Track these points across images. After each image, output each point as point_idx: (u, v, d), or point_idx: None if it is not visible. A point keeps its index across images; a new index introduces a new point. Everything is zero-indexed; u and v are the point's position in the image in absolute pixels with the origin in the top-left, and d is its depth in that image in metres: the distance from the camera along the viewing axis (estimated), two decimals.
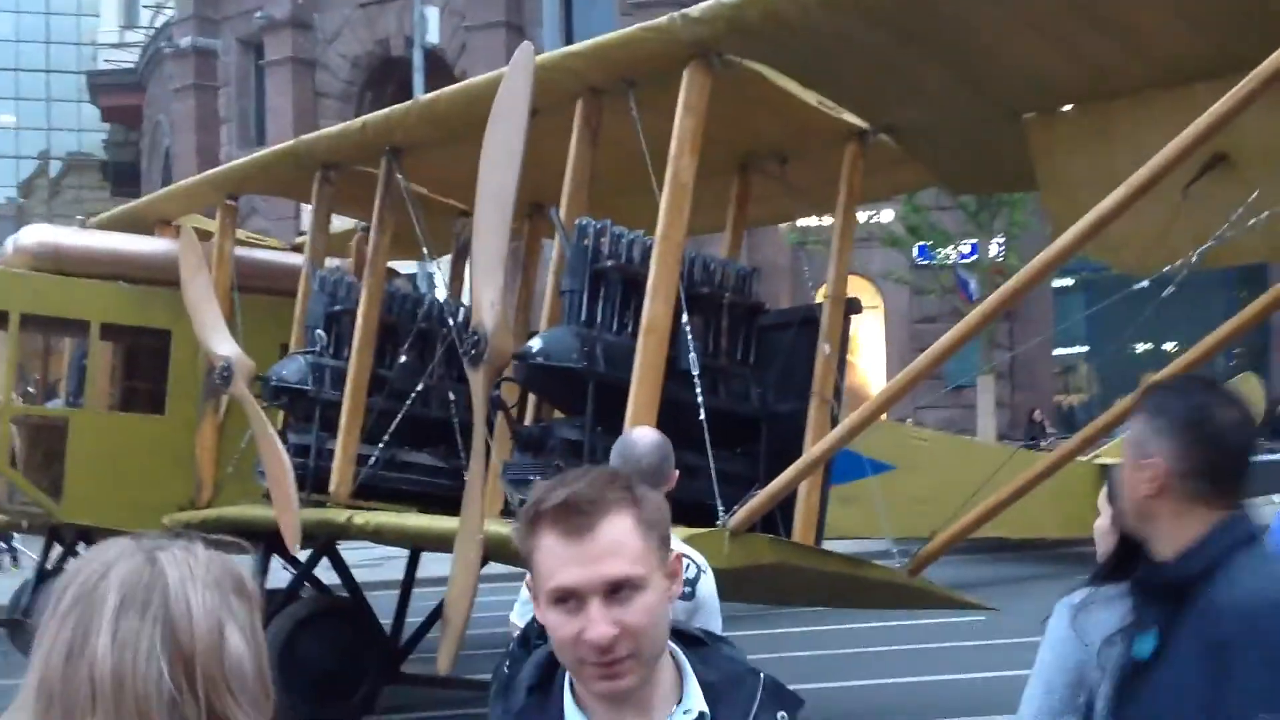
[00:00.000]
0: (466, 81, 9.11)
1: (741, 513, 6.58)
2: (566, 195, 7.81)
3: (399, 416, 9.26)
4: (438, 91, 9.08)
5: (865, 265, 25.62)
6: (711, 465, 6.69)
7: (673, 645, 1.83)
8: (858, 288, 23.11)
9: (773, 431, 7.74)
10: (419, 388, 9.36)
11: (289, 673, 8.98)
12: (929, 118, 7.43)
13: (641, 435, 4.18)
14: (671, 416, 7.08)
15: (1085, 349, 31.20)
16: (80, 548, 12.04)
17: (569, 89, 7.81)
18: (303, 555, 9.78)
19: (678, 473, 4.21)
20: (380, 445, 9.31)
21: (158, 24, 43.06)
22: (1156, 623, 2.43)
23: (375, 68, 33.76)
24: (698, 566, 3.88)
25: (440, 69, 27.58)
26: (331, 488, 9.10)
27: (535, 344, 7.24)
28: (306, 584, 9.84)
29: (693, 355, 6.96)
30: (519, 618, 3.98)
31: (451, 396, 9.59)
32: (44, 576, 12.55)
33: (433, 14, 24.64)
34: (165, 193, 11.81)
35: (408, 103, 9.24)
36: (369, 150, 9.51)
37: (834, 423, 7.49)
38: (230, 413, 10.74)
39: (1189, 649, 2.37)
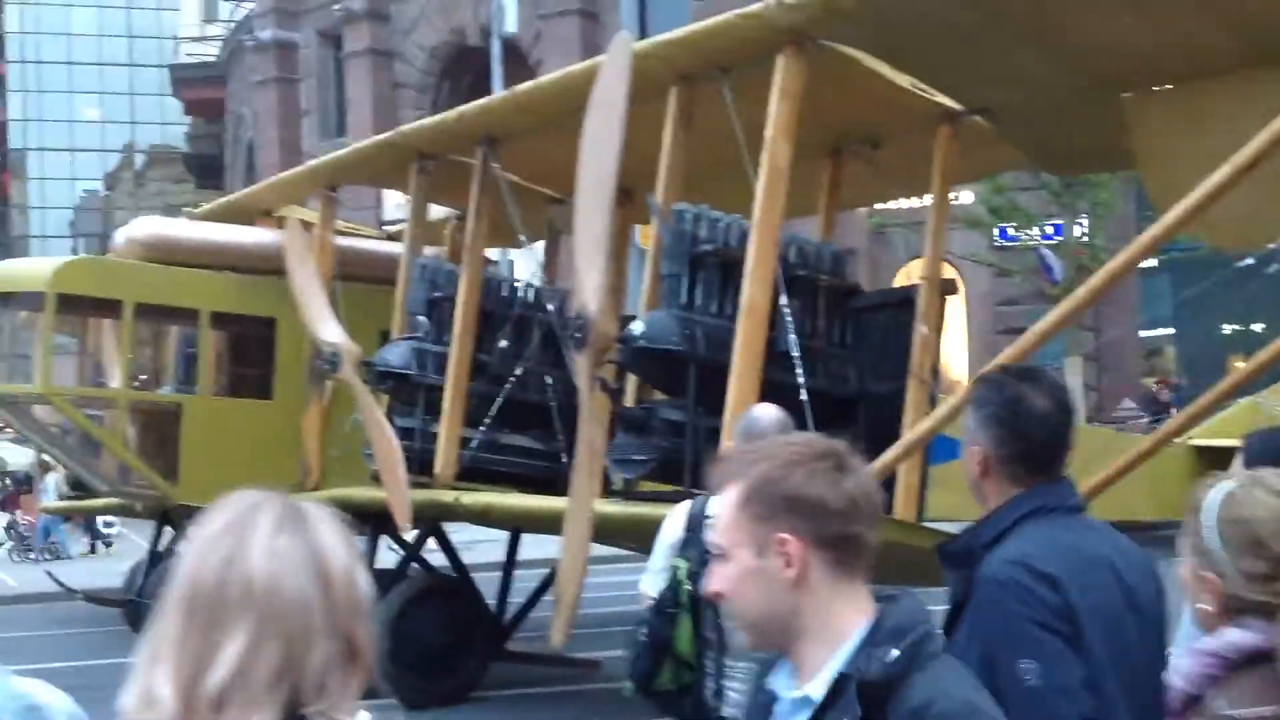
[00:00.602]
0: (562, 71, 9.29)
1: None
2: (662, 182, 7.98)
3: (499, 400, 9.54)
4: (534, 81, 9.30)
5: (945, 247, 25.48)
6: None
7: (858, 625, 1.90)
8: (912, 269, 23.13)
9: (870, 412, 7.88)
10: (517, 372, 9.63)
11: (398, 649, 9.29)
12: (1023, 99, 7.50)
13: (764, 412, 4.34)
14: (771, 397, 7.24)
15: (1171, 331, 30.76)
16: None
17: (662, 77, 7.97)
18: (407, 537, 10.07)
19: None
20: (481, 428, 9.60)
21: (237, 17, 43.72)
22: (955, 585, 2.74)
23: (452, 57, 34.10)
24: None
25: (516, 58, 27.82)
26: (436, 469, 9.36)
27: (637, 327, 7.42)
28: (414, 564, 10.10)
29: (792, 336, 7.10)
30: (650, 587, 4.17)
31: (548, 380, 9.86)
32: (156, 559, 13.00)
33: (510, 3, 24.86)
34: (266, 185, 12.15)
35: (504, 93, 9.48)
36: (464, 140, 9.75)
37: (932, 403, 7.62)
38: (334, 398, 11.06)
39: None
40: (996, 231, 25.63)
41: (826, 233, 8.74)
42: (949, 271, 26.20)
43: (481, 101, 9.60)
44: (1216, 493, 2.43)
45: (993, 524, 2.77)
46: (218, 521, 1.57)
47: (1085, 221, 22.73)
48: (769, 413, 4.32)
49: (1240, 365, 29.70)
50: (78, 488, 14.28)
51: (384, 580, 9.97)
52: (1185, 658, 2.42)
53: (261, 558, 1.52)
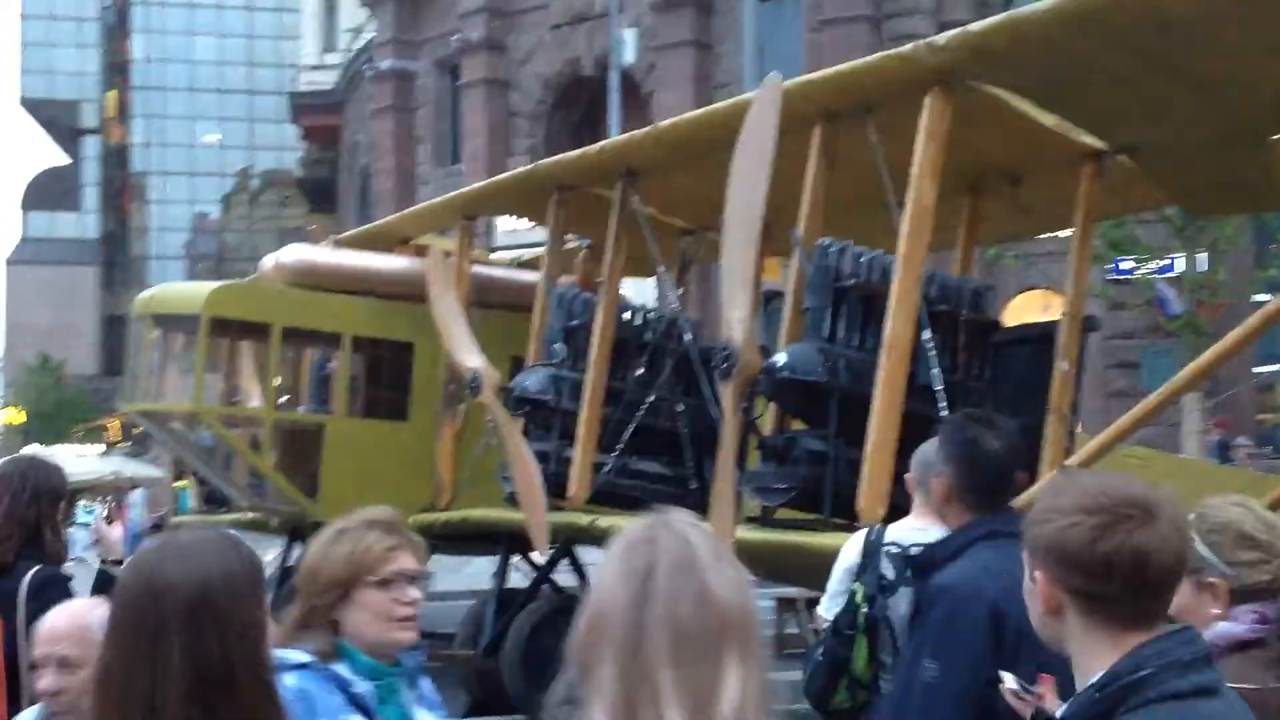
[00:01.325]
0: (705, 109, 9.54)
1: None
2: (804, 216, 8.15)
3: (632, 426, 9.77)
4: (676, 118, 9.54)
5: (1059, 279, 25.35)
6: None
7: None
8: (1049, 301, 22.97)
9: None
10: (650, 399, 9.85)
11: (530, 666, 9.54)
12: (1169, 139, 7.56)
13: None
14: (911, 430, 7.39)
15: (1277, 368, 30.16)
16: None
17: (805, 114, 8.14)
18: (540, 558, 10.32)
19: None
20: (615, 453, 9.82)
21: (356, 47, 44.82)
22: (913, 590, 3.40)
23: (565, 87, 34.66)
24: None
25: (629, 88, 28.20)
26: (570, 493, 9.59)
27: (781, 358, 7.57)
28: (545, 584, 10.34)
29: (935, 371, 7.22)
30: (827, 611, 4.33)
31: (678, 407, 10.07)
32: (287, 574, 13.39)
33: (629, 35, 25.26)
34: (407, 214, 12.54)
35: (646, 128, 9.70)
36: (604, 173, 10.01)
37: (1070, 439, 7.69)
38: (466, 421, 11.37)
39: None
40: (1111, 264, 25.43)
41: (965, 268, 8.84)
42: (1059, 303, 26.14)
43: (624, 136, 9.86)
44: (1198, 516, 2.91)
45: (952, 542, 3.44)
46: (643, 558, 1.67)
47: (1204, 256, 22.46)
48: None
49: None
50: (210, 502, 14.74)
51: (517, 600, 10.25)
52: None
53: (726, 589, 1.64)
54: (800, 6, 29.80)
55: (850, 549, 4.40)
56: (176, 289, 12.00)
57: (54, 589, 3.87)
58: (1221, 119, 7.15)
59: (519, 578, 10.79)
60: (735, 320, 7.38)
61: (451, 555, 12.63)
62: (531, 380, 9.91)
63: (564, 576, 10.63)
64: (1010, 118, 7.71)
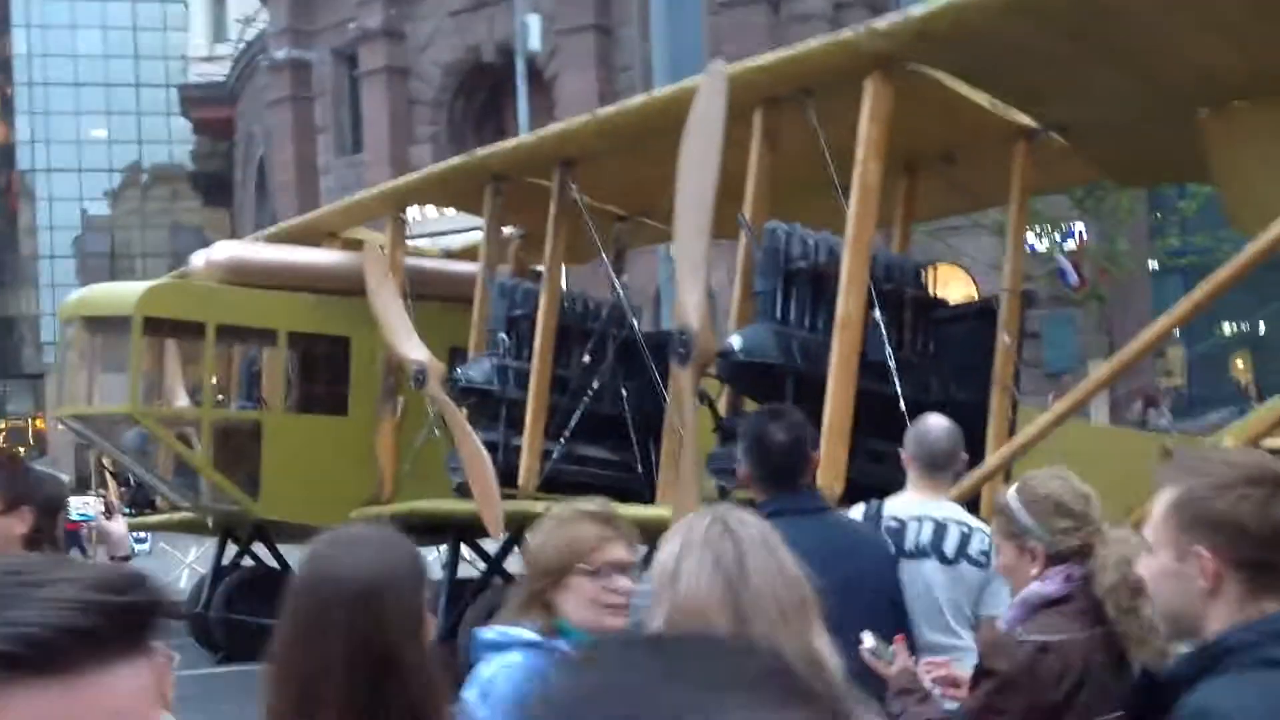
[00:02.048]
0: (645, 96, 9.63)
1: (954, 492, 7.00)
2: (750, 200, 8.29)
3: (578, 413, 9.86)
4: (616, 106, 9.63)
5: (957, 253, 25.94)
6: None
7: None
8: (952, 275, 23.46)
9: (953, 418, 8.16)
10: (594, 386, 9.95)
11: None
12: (1100, 115, 7.82)
13: (936, 422, 4.65)
14: (864, 406, 7.59)
15: (1176, 333, 31.10)
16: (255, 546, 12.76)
17: (746, 100, 8.27)
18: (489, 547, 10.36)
19: (818, 454, 4.54)
20: (562, 441, 9.90)
21: (247, 37, 44.07)
22: None
23: (467, 74, 34.45)
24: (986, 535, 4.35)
25: (532, 73, 28.11)
26: (520, 481, 9.65)
27: (736, 341, 7.70)
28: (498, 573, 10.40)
29: (888, 348, 7.41)
30: None
31: (623, 392, 10.18)
32: (220, 574, 13.28)
33: (534, 21, 25.20)
34: (336, 207, 12.44)
35: (584, 116, 9.77)
36: (541, 162, 10.06)
37: (1014, 410, 7.95)
38: (405, 414, 11.37)
39: None
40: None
41: (903, 246, 9.06)
42: (959, 276, 26.77)
43: (560, 125, 9.92)
44: (1011, 490, 3.39)
45: None
46: (730, 546, 1.91)
47: (1083, 228, 23.02)
48: (941, 422, 4.63)
49: (1240, 366, 30.00)
50: (134, 504, 14.53)
51: (468, 590, 10.30)
52: (1009, 609, 3.36)
53: (795, 565, 1.83)
54: None
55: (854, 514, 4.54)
56: (105, 290, 11.80)
57: None
58: (1151, 96, 7.41)
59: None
60: (690, 305, 7.48)
61: None
62: (476, 370, 9.94)
63: (516, 564, 10.66)
64: (946, 98, 7.92)
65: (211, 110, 48.69)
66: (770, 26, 29.31)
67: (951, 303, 8.97)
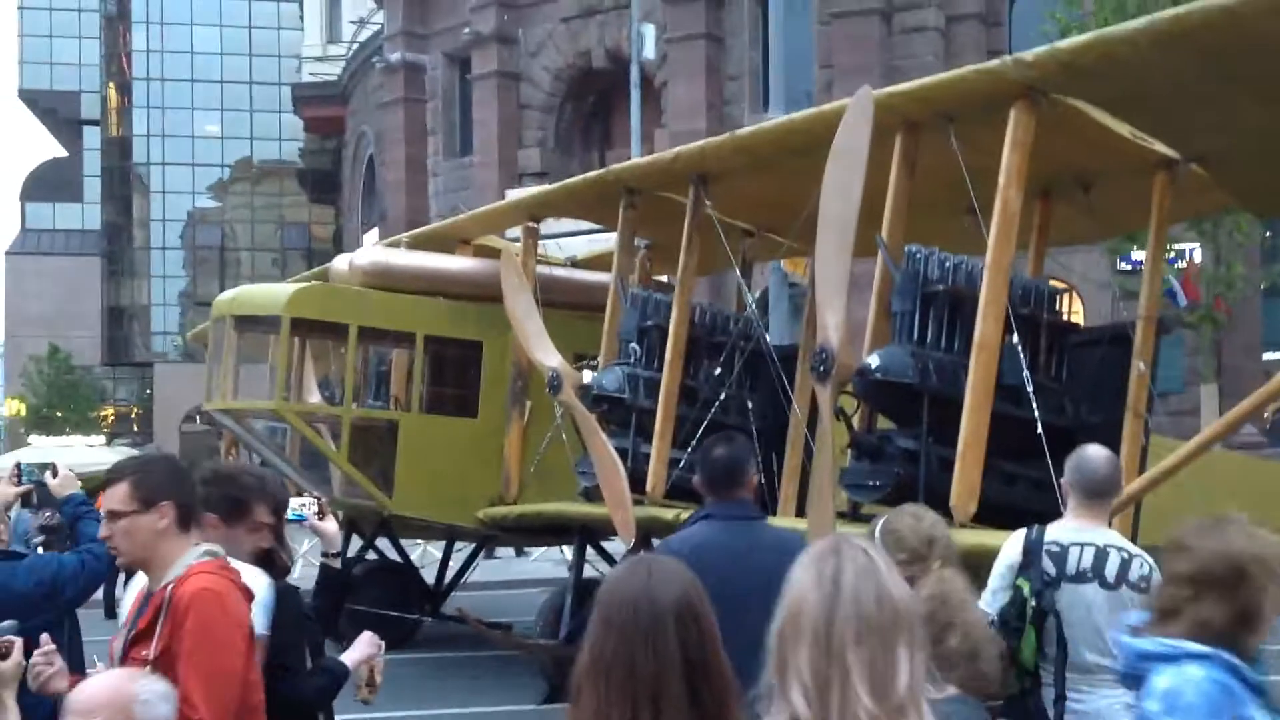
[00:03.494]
0: (783, 117, 9.83)
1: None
2: (888, 223, 8.48)
3: (705, 422, 10.11)
4: (755, 126, 9.86)
5: (1067, 270, 25.82)
6: (1052, 473, 7.25)
7: None
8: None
9: (1085, 441, 8.29)
10: (721, 396, 10.20)
11: None
12: (1240, 146, 7.90)
13: (1096, 452, 4.83)
14: (996, 429, 7.75)
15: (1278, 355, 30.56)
16: (380, 540, 13.17)
17: (887, 124, 8.46)
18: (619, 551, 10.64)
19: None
20: (688, 450, 10.15)
21: (361, 38, 44.97)
22: None
23: (576, 79, 34.94)
24: (1150, 565, 4.53)
25: (641, 80, 28.43)
26: (648, 488, 9.93)
27: (874, 361, 7.90)
28: None
29: (1025, 372, 7.56)
30: (989, 606, 4.67)
31: (748, 404, 10.42)
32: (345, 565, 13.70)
33: (649, 30, 25.52)
34: (472, 215, 12.82)
35: (724, 135, 10.02)
36: (676, 178, 10.33)
37: (1146, 436, 8.07)
38: (532, 418, 11.71)
39: None
40: (1123, 256, 25.84)
41: (1036, 270, 9.19)
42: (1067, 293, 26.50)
43: (700, 143, 10.17)
44: (878, 520, 4.00)
45: (690, 519, 4.81)
46: (831, 565, 2.16)
47: (1198, 250, 22.78)
48: (1101, 451, 4.81)
49: None
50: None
51: (592, 591, 10.59)
52: None
53: (897, 590, 2.09)
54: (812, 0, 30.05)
55: (1011, 548, 4.74)
56: (257, 290, 12.29)
57: (287, 603, 4.04)
58: None
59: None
60: (831, 324, 7.70)
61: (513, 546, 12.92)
62: (609, 379, 10.24)
63: None
64: (1086, 127, 8.04)
65: (323, 109, 49.73)
66: (882, 38, 29.38)
67: (1084, 327, 9.07)
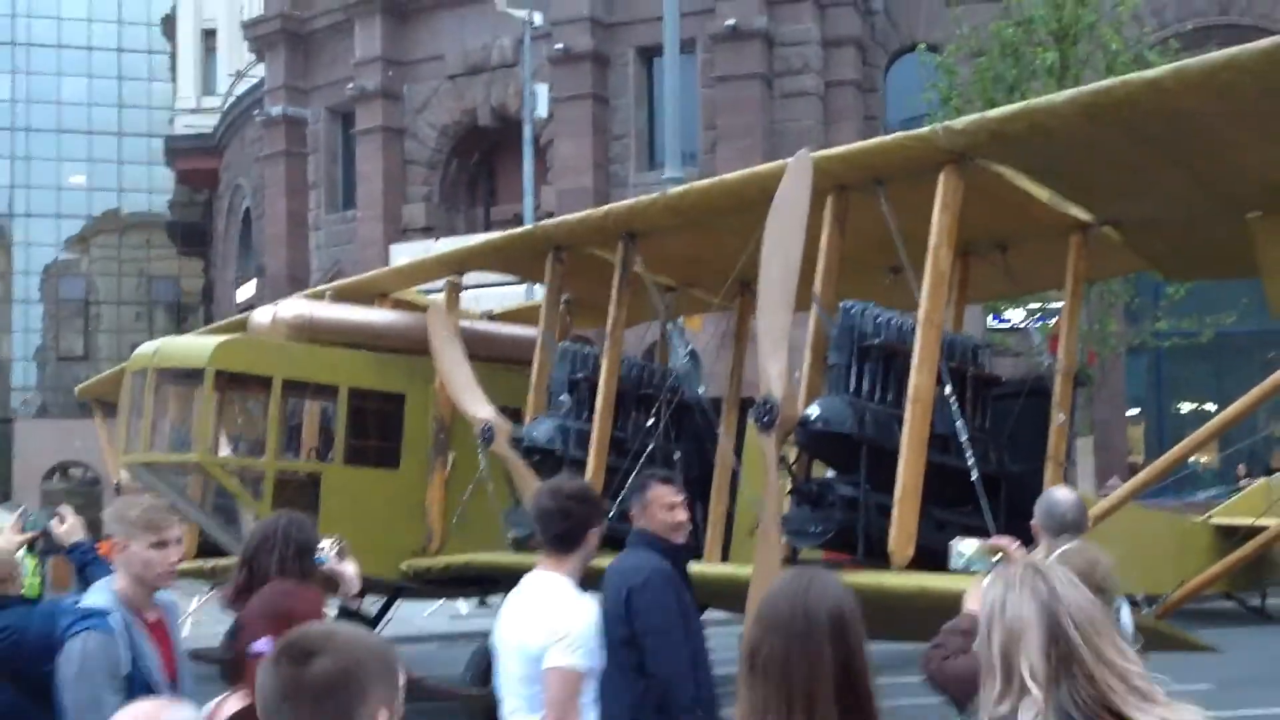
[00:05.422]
0: (716, 179, 10.17)
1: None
2: (820, 279, 8.83)
3: (634, 474, 10.32)
4: (686, 186, 10.20)
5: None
6: (988, 518, 7.63)
7: None
8: None
9: (1009, 489, 8.72)
10: (650, 446, 10.44)
11: None
12: (1154, 213, 8.46)
13: (1064, 495, 5.17)
14: (931, 476, 8.12)
15: (1138, 410, 31.89)
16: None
17: (819, 185, 8.85)
18: None
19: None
20: (619, 500, 10.36)
21: (238, 91, 44.53)
22: None
23: (461, 136, 35.06)
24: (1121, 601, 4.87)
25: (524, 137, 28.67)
26: None
27: (814, 410, 8.22)
28: None
29: (960, 422, 7.94)
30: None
31: (675, 455, 10.68)
32: None
33: (542, 90, 25.90)
34: (393, 270, 12.90)
35: (654, 195, 10.32)
36: (605, 235, 10.60)
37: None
38: (454, 469, 11.80)
39: None
40: (990, 315, 26.81)
41: (957, 325, 9.62)
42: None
43: (629, 202, 10.46)
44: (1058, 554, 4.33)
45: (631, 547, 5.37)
46: (1043, 583, 2.53)
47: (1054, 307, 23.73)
48: (1068, 495, 5.15)
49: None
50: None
51: None
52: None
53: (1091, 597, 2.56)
54: (695, 62, 30.74)
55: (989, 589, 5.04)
56: (179, 343, 12.15)
57: None
58: (1205, 196, 8.06)
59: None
60: (774, 375, 8.02)
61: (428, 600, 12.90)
62: (540, 430, 10.41)
63: None
64: (1008, 191, 8.54)
65: (196, 161, 48.97)
66: (764, 101, 30.17)
67: (1004, 380, 9.52)
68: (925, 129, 8.30)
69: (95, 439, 19.80)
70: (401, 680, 2.21)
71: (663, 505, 5.34)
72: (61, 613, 4.56)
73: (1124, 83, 7.12)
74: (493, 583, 11.36)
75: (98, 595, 4.14)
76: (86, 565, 4.94)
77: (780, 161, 9.08)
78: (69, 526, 4.97)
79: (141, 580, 4.09)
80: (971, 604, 4.17)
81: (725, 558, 10.56)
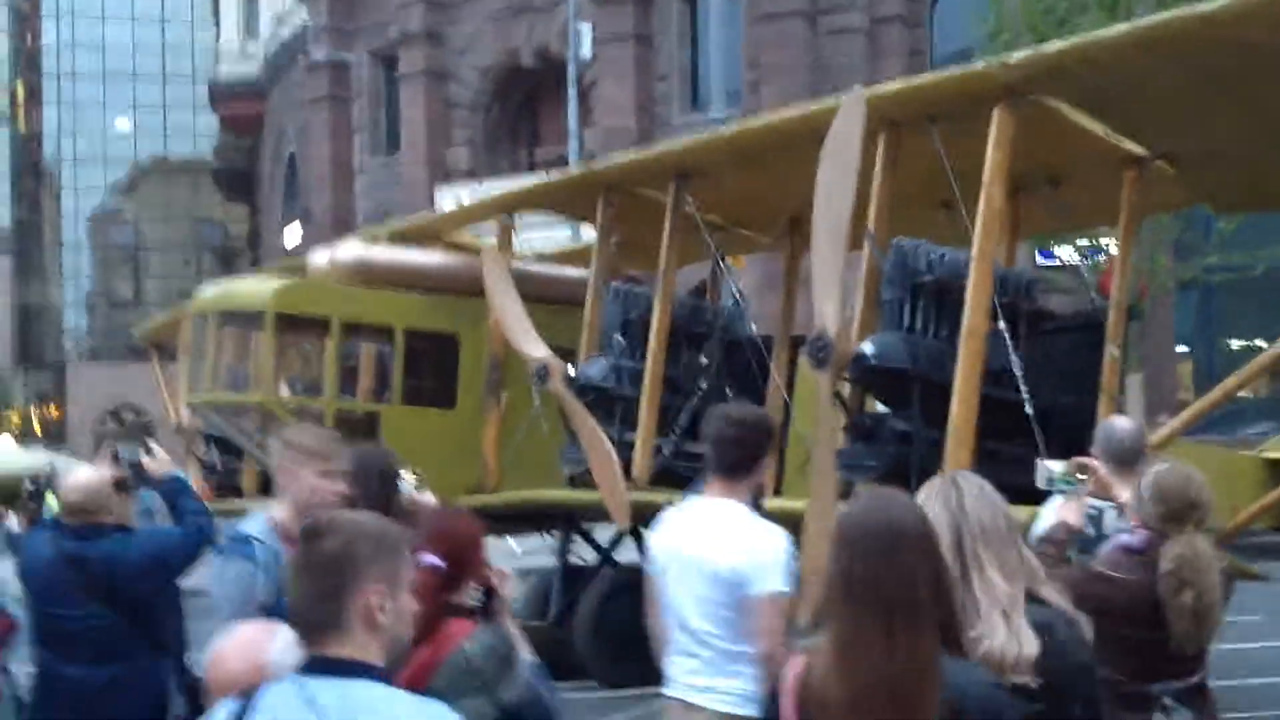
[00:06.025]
0: (770, 117, 10.21)
1: None
2: (873, 217, 8.89)
3: (687, 411, 10.48)
4: (740, 125, 10.23)
5: None
6: (1042, 450, 7.71)
7: None
8: None
9: (1059, 421, 8.79)
10: (702, 384, 10.57)
11: (601, 635, 10.23)
12: (1209, 146, 8.43)
13: (1122, 423, 5.26)
14: (984, 410, 8.20)
15: (1185, 348, 31.63)
16: None
17: (870, 124, 8.87)
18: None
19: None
20: (671, 437, 10.52)
21: (282, 35, 44.64)
22: None
23: (504, 78, 35.08)
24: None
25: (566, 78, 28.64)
26: (634, 474, 10.26)
27: (868, 347, 8.30)
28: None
29: (1014, 356, 8.01)
30: None
31: (728, 392, 10.79)
32: None
33: (585, 29, 25.83)
34: (446, 212, 13.03)
35: (707, 134, 10.38)
36: (657, 175, 10.66)
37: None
38: (509, 408, 11.97)
39: None
40: (1037, 250, 26.65)
41: (1009, 261, 9.65)
42: None
43: (682, 141, 10.52)
44: (1152, 472, 4.49)
45: None
46: (953, 494, 3.05)
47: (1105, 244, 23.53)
48: (1126, 423, 5.24)
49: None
50: (220, 490, 14.99)
51: (583, 577, 10.91)
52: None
53: (1005, 504, 3.12)
54: (738, 1, 30.55)
55: (1049, 513, 5.15)
56: (240, 286, 12.37)
57: None
58: (1260, 129, 8.03)
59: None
60: (828, 312, 8.10)
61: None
62: (594, 369, 10.55)
63: (627, 553, 11.27)
64: (1062, 126, 8.53)
65: (240, 106, 49.24)
66: (807, 39, 29.95)
67: (1057, 314, 9.56)
68: (980, 64, 8.31)
69: (147, 382, 20.11)
70: (408, 563, 2.54)
71: None
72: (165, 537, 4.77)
73: (1180, 16, 7.10)
74: (548, 519, 11.56)
75: (251, 523, 4.20)
76: (177, 497, 5.13)
77: (832, 100, 9.12)
78: (158, 460, 5.15)
79: (306, 507, 4.06)
80: (1068, 516, 4.46)
81: (778, 493, 10.70)
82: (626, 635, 10.30)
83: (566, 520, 11.03)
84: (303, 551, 2.46)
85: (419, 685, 3.02)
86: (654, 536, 4.55)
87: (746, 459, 4.40)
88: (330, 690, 2.35)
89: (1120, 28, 7.62)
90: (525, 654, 3.45)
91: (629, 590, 10.66)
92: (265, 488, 13.60)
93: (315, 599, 2.42)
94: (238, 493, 14.69)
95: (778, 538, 4.32)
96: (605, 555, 11.02)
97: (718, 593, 4.23)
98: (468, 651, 3.20)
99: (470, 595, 3.47)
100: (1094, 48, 7.63)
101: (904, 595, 2.51)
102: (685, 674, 4.38)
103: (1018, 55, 8.07)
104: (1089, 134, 8.55)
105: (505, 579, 3.62)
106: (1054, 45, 8.06)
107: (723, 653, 4.24)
